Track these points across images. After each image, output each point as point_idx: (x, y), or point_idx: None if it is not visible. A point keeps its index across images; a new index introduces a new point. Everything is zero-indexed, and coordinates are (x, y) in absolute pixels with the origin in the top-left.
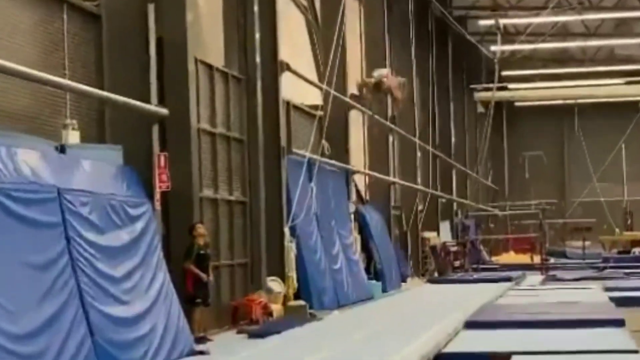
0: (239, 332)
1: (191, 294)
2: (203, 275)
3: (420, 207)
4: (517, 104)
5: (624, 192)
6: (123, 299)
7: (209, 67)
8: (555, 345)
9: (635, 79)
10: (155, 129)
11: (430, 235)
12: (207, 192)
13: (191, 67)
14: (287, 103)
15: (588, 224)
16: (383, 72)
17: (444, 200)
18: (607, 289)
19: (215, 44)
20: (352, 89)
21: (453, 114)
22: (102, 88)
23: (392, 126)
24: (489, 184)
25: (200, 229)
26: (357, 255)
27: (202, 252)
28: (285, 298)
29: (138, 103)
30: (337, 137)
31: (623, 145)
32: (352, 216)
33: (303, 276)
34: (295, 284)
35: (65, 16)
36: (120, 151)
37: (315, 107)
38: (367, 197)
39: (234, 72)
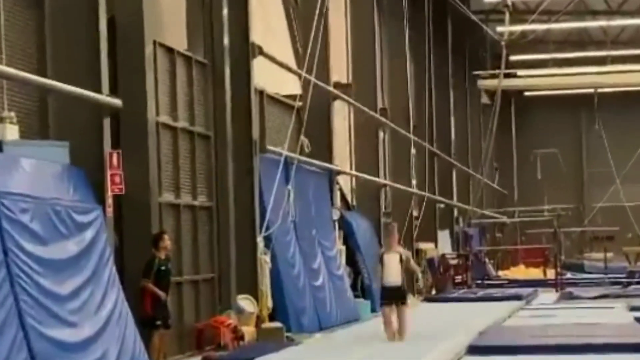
0: (204, 358)
1: (150, 316)
2: (162, 294)
3: (415, 214)
4: (527, 93)
5: None
6: (70, 320)
7: (170, 50)
8: None
9: None
10: (107, 123)
11: (427, 246)
12: (168, 197)
13: (148, 50)
14: (261, 92)
15: (610, 233)
16: None
17: (442, 205)
18: (633, 309)
19: (176, 24)
20: (336, 76)
21: (453, 105)
22: (44, 75)
23: (383, 119)
24: (495, 187)
25: (167, 240)
26: (342, 269)
27: (163, 267)
28: (259, 319)
29: (87, 93)
30: (318, 132)
31: None
32: (337, 224)
33: (279, 294)
34: (270, 303)
35: None
36: (67, 148)
37: (293, 97)
38: (354, 202)
39: (198, 57)
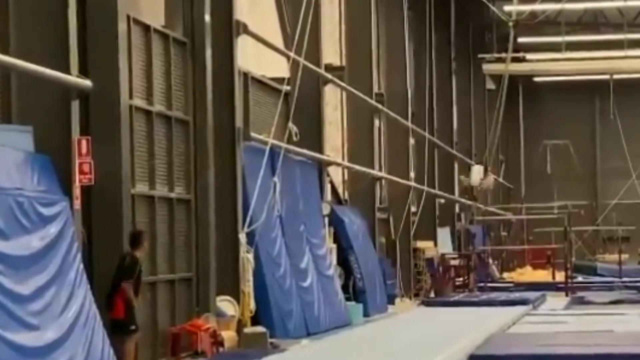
0: None
1: (122, 320)
2: (134, 300)
3: (413, 210)
4: (536, 79)
5: None
6: (31, 322)
7: (145, 27)
8: None
9: None
10: (76, 107)
11: (425, 245)
12: (141, 188)
13: (122, 27)
14: (245, 75)
15: (625, 233)
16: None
17: (443, 200)
18: None
19: None
20: (327, 57)
21: (456, 91)
22: (7, 53)
23: (379, 106)
24: (501, 181)
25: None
26: (332, 269)
27: (141, 269)
28: (240, 323)
29: (53, 73)
30: (308, 119)
31: None
32: (327, 220)
33: (263, 296)
34: (253, 306)
35: None
36: (30, 134)
37: (281, 81)
38: (346, 196)
39: (176, 35)
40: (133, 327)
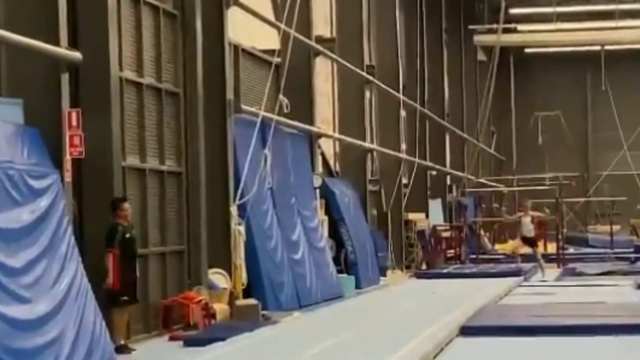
0: (171, 338)
1: (116, 290)
2: (109, 268)
3: (404, 182)
4: (528, 50)
5: None
6: (23, 295)
7: None
8: (575, 358)
9: None
10: (65, 79)
11: (417, 216)
12: (132, 161)
13: None
14: (235, 47)
15: (617, 209)
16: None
17: (434, 172)
18: None
19: None
20: (318, 29)
21: (447, 63)
22: None
23: (370, 78)
24: (492, 153)
25: (127, 208)
26: (324, 242)
27: (127, 235)
28: (232, 296)
29: (43, 45)
30: (298, 91)
31: None
32: (318, 192)
33: (255, 268)
34: (245, 278)
35: None
36: (20, 107)
37: (271, 53)
38: (337, 168)
39: (166, 6)
40: (125, 298)
